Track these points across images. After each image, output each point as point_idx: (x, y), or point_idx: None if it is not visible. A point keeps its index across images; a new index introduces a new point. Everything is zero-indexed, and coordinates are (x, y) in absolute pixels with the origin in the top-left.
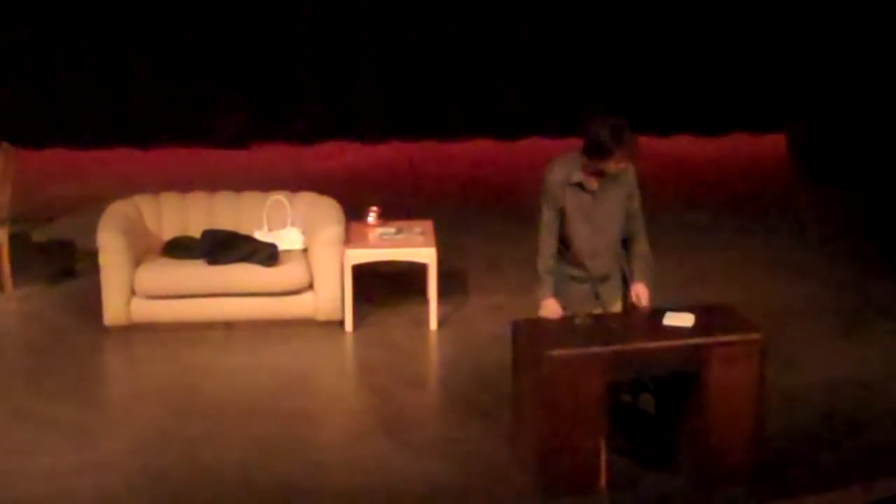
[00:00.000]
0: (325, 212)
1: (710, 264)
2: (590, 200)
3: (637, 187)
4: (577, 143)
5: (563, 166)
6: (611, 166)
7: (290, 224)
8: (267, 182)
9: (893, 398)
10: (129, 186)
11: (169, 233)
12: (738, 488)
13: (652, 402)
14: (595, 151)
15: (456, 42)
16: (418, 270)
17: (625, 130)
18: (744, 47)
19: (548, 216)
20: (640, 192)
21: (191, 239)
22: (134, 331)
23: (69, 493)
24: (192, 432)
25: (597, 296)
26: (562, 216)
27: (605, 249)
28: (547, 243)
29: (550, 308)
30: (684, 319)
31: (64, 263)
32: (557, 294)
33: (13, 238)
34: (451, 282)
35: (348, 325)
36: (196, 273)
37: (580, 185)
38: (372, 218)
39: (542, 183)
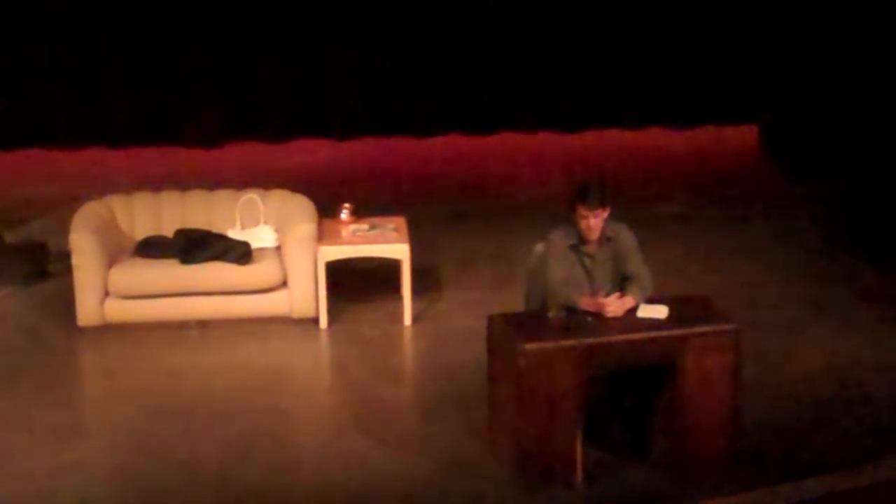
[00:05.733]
0: (298, 209)
1: (684, 256)
2: (591, 263)
3: (634, 249)
4: (550, 137)
5: (561, 232)
6: (581, 218)
7: (262, 222)
8: (239, 180)
9: (869, 386)
10: (102, 186)
11: (142, 232)
12: (716, 478)
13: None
14: (569, 206)
15: (428, 37)
16: (392, 267)
17: (591, 186)
18: (714, 39)
19: (557, 276)
20: (640, 253)
21: (164, 238)
22: (108, 331)
23: (47, 495)
24: (168, 431)
25: None
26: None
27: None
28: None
29: (588, 302)
30: (658, 311)
31: (37, 264)
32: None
33: None
34: (425, 278)
35: (323, 322)
36: (169, 272)
37: (577, 248)
38: (345, 215)
39: (547, 246)
